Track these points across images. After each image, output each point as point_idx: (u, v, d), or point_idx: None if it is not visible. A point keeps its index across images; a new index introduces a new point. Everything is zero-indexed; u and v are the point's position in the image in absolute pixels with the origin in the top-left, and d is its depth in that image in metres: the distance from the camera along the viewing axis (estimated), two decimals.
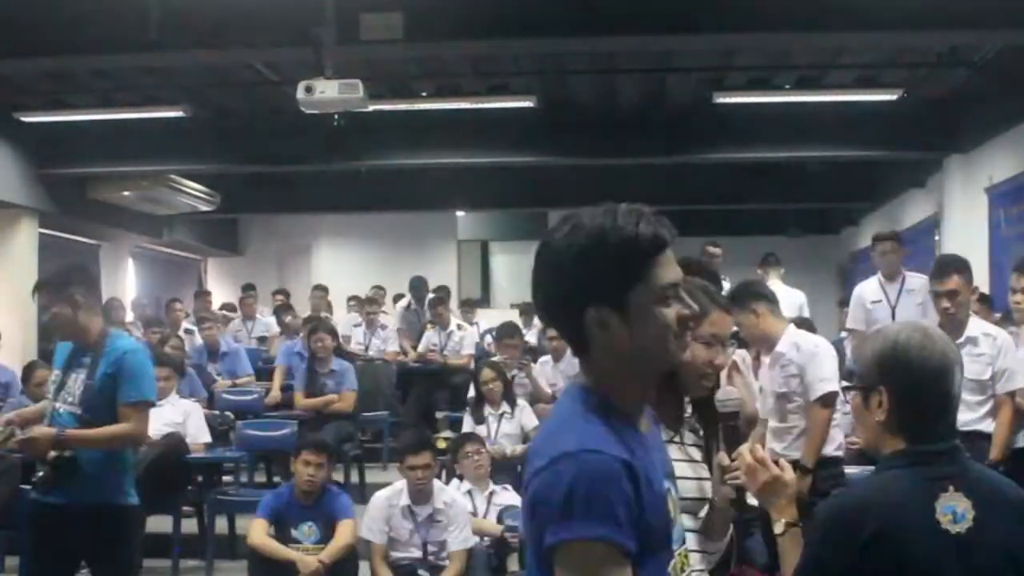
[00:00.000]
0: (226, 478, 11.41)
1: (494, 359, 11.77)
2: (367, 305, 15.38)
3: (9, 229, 15.33)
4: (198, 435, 10.25)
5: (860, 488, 3.30)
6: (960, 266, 7.55)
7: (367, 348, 14.83)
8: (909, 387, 3.05)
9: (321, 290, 17.23)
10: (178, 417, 10.22)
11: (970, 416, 7.12)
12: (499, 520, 8.56)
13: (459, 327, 14.97)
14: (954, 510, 2.94)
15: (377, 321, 15.20)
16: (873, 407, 3.09)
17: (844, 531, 2.96)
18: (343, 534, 8.01)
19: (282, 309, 15.87)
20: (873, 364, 3.12)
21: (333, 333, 12.67)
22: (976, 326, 7.46)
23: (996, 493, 3.04)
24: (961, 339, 7.11)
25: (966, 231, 14.21)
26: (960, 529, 2.92)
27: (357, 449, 12.35)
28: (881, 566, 2.91)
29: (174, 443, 9.85)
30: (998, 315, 10.57)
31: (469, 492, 8.75)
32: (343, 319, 16.28)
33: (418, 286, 16.52)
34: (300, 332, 14.05)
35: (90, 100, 13.68)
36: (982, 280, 12.89)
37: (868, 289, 10.11)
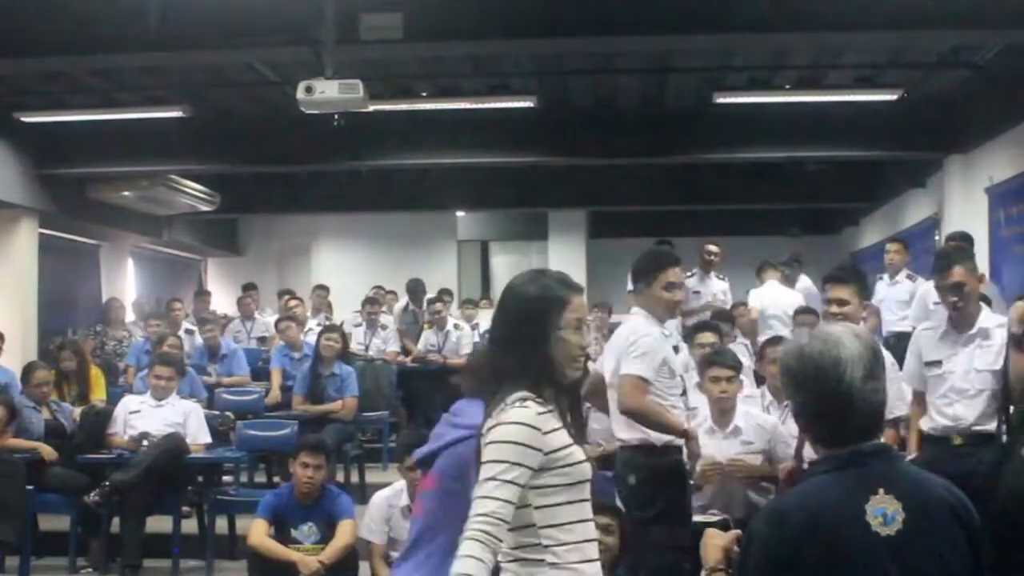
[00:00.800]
0: (226, 478, 11.39)
1: None
2: (368, 305, 15.36)
3: (9, 229, 15.32)
4: (198, 435, 10.25)
5: (790, 496, 3.29)
6: (961, 256, 7.41)
7: (367, 348, 14.82)
8: (807, 393, 3.09)
9: (322, 290, 17.23)
10: (178, 417, 10.23)
11: (973, 414, 7.04)
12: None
13: (456, 327, 15.00)
14: (884, 512, 2.93)
15: (378, 321, 15.18)
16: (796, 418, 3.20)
17: (774, 540, 2.97)
18: (343, 534, 8.01)
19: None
20: (781, 377, 3.21)
21: (343, 336, 12.68)
22: (989, 318, 7.33)
23: (925, 493, 3.03)
24: (973, 330, 7.04)
25: (966, 231, 14.20)
26: (890, 531, 2.92)
27: (357, 449, 12.37)
28: (815, 572, 2.92)
29: (175, 443, 9.86)
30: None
31: None
32: (344, 319, 16.30)
33: (415, 288, 16.54)
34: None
35: (90, 100, 13.68)
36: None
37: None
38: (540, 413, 3.55)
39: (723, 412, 7.59)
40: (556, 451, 3.55)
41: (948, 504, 3.03)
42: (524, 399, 3.56)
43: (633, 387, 6.60)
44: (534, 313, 3.64)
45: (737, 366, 7.78)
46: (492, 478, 3.45)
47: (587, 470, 3.67)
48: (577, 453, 3.63)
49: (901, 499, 2.94)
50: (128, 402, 10.59)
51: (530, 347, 3.63)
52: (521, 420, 3.51)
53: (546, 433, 3.53)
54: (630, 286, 7.57)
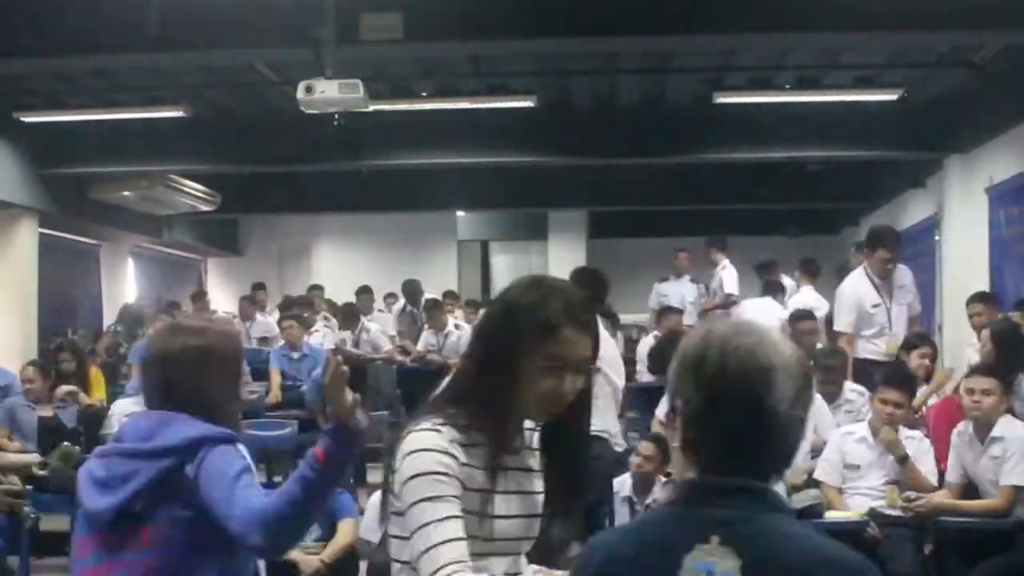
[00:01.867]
0: None
1: None
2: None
3: (9, 229, 15.32)
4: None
5: (612, 531, 2.86)
6: None
7: (356, 346, 14.90)
8: (695, 404, 2.28)
9: (318, 289, 17.23)
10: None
11: None
12: None
13: (456, 327, 15.02)
14: (710, 570, 2.15)
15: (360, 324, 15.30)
16: (670, 429, 2.40)
17: None
18: (344, 533, 8.00)
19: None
20: (671, 376, 2.37)
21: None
22: None
23: (781, 557, 2.16)
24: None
25: (966, 231, 14.21)
26: None
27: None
28: None
29: None
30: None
31: None
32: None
33: (412, 289, 16.56)
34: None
35: (90, 100, 13.68)
36: (982, 281, 12.91)
37: (864, 291, 10.03)
38: (452, 441, 2.85)
39: None
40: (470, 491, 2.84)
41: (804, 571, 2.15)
42: (435, 424, 2.89)
43: None
44: (511, 329, 2.90)
45: None
46: (424, 525, 2.76)
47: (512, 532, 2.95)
48: (504, 505, 2.93)
49: (744, 556, 2.15)
50: (124, 404, 10.58)
51: (490, 371, 2.91)
52: (425, 446, 2.85)
53: (463, 465, 2.84)
54: None
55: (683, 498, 2.28)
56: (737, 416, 2.22)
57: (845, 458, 7.42)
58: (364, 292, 17.18)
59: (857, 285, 10.16)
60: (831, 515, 7.12)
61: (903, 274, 10.07)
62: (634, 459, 8.20)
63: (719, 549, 2.14)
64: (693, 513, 2.22)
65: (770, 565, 2.14)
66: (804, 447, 6.57)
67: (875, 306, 9.86)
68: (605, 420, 7.56)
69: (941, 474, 7.58)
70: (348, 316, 15.63)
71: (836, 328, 10.44)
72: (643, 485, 8.04)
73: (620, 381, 7.88)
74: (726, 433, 2.23)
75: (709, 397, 2.24)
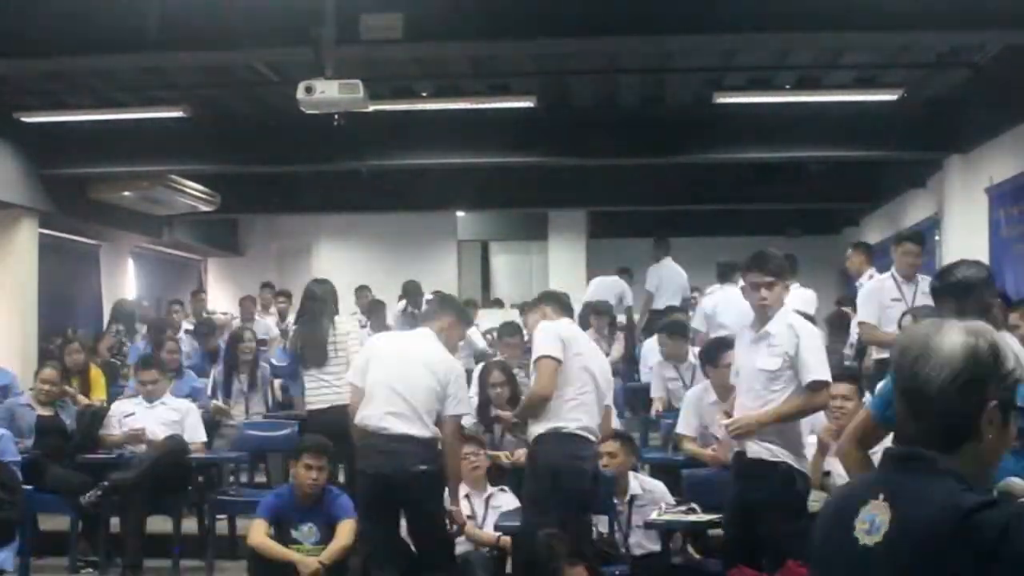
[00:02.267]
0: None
1: (498, 359, 11.44)
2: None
3: (9, 229, 15.32)
4: (194, 434, 10.23)
5: (841, 487, 3.24)
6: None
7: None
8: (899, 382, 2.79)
9: None
10: (174, 415, 10.19)
11: None
12: (496, 527, 8.29)
13: None
14: (872, 519, 2.67)
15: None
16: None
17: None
18: (343, 535, 8.00)
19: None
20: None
21: None
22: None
23: (920, 511, 2.64)
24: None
25: (966, 231, 14.21)
26: (869, 542, 2.66)
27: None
28: (814, 562, 2.88)
29: (176, 444, 9.85)
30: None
31: (467, 496, 8.47)
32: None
33: (412, 289, 16.53)
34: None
35: (90, 100, 13.69)
36: None
37: (887, 287, 10.08)
38: None
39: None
40: None
41: (936, 530, 2.59)
42: None
43: None
44: None
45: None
46: None
47: None
48: None
49: (896, 508, 2.65)
50: (123, 404, 10.60)
51: None
52: None
53: None
54: None
55: (879, 463, 2.82)
56: (903, 397, 2.76)
57: None
58: (362, 290, 17.15)
59: (880, 280, 10.33)
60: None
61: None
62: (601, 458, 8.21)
63: (881, 504, 2.67)
64: (878, 475, 2.80)
65: (911, 519, 2.62)
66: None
67: (894, 300, 9.87)
68: (590, 420, 7.68)
69: None
70: (374, 312, 15.62)
71: (858, 319, 10.59)
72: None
73: (604, 382, 7.92)
74: (902, 413, 2.76)
75: (896, 385, 2.78)
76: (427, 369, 7.63)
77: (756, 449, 6.81)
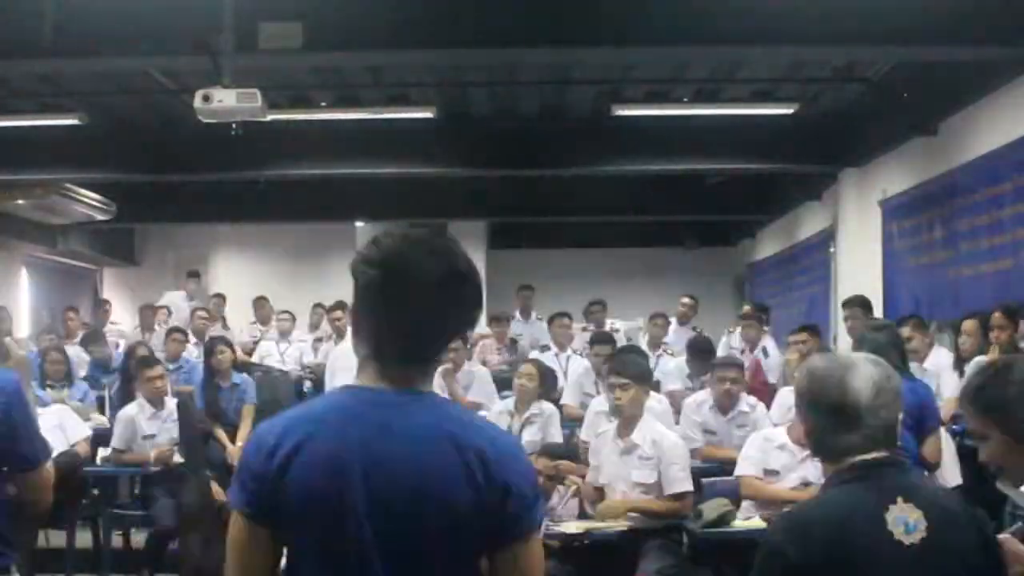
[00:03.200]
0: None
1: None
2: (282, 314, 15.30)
3: None
4: (76, 433, 10.00)
5: (807, 508, 3.31)
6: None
7: (283, 360, 14.83)
8: (814, 405, 3.19)
9: (219, 298, 17.10)
10: (53, 420, 9.88)
11: None
12: None
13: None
14: (906, 521, 2.97)
15: (290, 333, 15.18)
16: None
17: (799, 553, 3.00)
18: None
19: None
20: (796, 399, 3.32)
21: (231, 347, 12.42)
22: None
23: (945, 502, 3.12)
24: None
25: (860, 243, 14.44)
26: (913, 540, 2.96)
27: None
28: None
29: (70, 459, 9.67)
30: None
31: None
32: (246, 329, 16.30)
33: None
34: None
35: None
36: (875, 292, 13.12)
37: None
38: None
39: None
40: None
41: (969, 513, 3.12)
42: None
43: None
44: None
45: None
46: None
47: None
48: None
49: (922, 508, 3.00)
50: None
51: None
52: None
53: None
54: None
55: (856, 476, 3.07)
56: (838, 415, 3.15)
57: (766, 463, 7.49)
58: (261, 301, 17.03)
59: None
60: (740, 524, 7.14)
61: None
62: None
63: (905, 506, 2.98)
64: (868, 484, 3.05)
65: (944, 510, 3.05)
66: None
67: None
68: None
69: None
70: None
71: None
72: (544, 495, 8.08)
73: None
74: (844, 427, 3.13)
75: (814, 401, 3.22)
76: None
77: None
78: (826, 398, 3.15)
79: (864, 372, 3.14)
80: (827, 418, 3.14)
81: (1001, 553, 3.10)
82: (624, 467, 7.26)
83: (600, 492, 7.46)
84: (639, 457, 7.24)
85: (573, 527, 7.18)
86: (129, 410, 10.22)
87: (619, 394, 7.32)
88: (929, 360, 9.90)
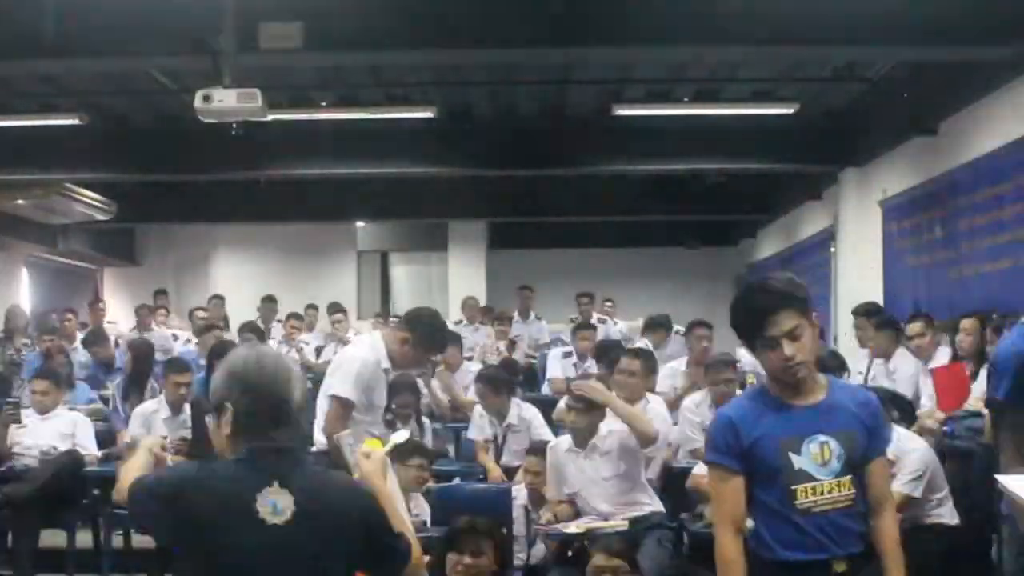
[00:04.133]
0: None
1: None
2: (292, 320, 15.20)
3: None
4: (87, 446, 10.06)
5: (192, 470, 3.56)
6: None
7: None
8: (247, 399, 3.41)
9: (219, 300, 17.08)
10: (66, 428, 9.96)
11: None
12: None
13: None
14: (274, 503, 3.24)
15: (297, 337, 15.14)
16: (222, 422, 3.44)
17: (169, 516, 3.29)
18: None
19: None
20: (219, 386, 3.49)
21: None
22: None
23: (325, 493, 3.39)
24: None
25: (860, 243, 14.42)
26: (278, 520, 3.23)
27: None
28: (197, 549, 3.26)
29: (72, 459, 9.68)
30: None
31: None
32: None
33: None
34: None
35: None
36: (876, 291, 13.12)
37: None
38: None
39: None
40: None
41: (338, 501, 3.41)
42: None
43: None
44: None
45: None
46: None
47: None
48: None
49: (296, 493, 3.27)
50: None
51: None
52: None
53: None
54: None
55: (244, 458, 3.32)
56: (267, 404, 3.44)
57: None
58: (268, 301, 16.96)
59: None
60: None
61: None
62: (523, 475, 8.27)
63: (279, 490, 3.26)
64: (257, 465, 3.30)
65: (319, 499, 3.32)
66: None
67: None
68: None
69: None
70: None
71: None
72: (535, 496, 8.06)
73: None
74: (263, 415, 3.41)
75: (251, 396, 3.47)
76: None
77: None
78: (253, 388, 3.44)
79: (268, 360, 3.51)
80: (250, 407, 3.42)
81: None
82: (591, 469, 7.30)
83: (571, 503, 7.47)
84: (600, 454, 7.30)
85: (573, 527, 7.18)
86: (148, 406, 10.23)
87: (573, 416, 7.41)
88: (934, 360, 9.91)
